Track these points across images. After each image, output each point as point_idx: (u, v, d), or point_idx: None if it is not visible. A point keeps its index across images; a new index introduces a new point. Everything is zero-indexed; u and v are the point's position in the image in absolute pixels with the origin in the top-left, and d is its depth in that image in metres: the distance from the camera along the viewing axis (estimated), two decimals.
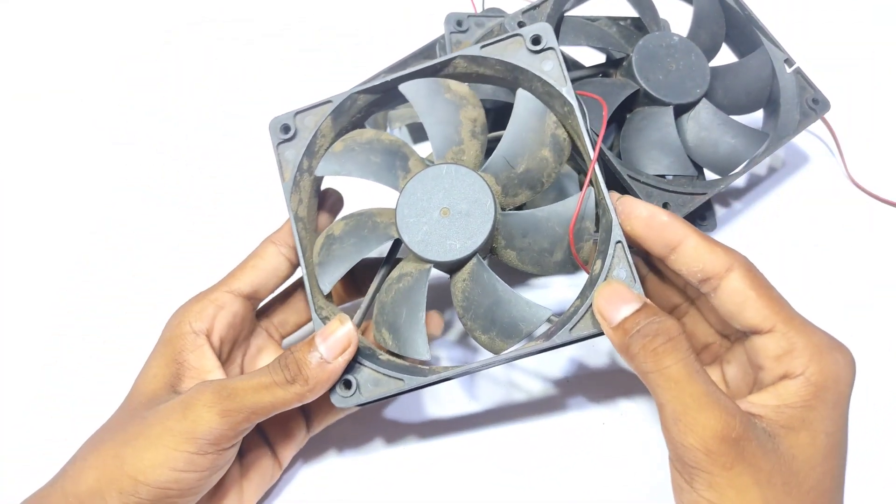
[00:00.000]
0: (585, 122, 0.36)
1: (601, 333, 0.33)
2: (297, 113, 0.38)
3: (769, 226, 0.51)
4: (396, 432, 0.43)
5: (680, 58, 0.46)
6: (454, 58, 0.38)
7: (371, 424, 0.43)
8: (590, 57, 0.49)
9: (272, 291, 0.39)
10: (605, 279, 0.34)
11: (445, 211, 0.36)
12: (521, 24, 0.43)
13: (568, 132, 0.38)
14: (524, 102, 0.37)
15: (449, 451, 0.42)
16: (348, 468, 0.42)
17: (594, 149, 0.36)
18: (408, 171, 0.38)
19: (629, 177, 0.41)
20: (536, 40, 0.37)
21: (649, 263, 0.39)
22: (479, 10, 0.54)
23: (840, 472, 0.31)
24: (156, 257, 0.51)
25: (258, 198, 0.52)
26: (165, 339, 0.37)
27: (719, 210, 0.52)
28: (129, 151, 0.56)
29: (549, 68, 0.37)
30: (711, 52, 0.49)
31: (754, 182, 0.53)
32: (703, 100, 0.46)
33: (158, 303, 0.44)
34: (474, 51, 0.38)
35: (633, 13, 0.49)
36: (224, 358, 0.38)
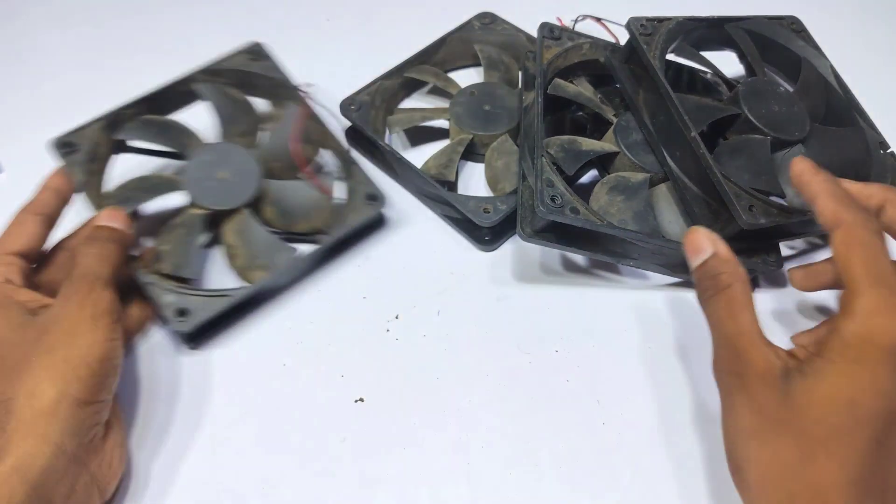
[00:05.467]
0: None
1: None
2: (74, 132, 0.47)
3: None
4: (399, 432, 0.43)
5: (783, 104, 0.48)
6: (194, 73, 0.50)
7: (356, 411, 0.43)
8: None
9: (38, 251, 0.43)
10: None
11: (223, 175, 0.47)
12: (642, 27, 0.48)
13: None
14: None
15: (445, 449, 0.41)
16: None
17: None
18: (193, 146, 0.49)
19: (722, 175, 0.42)
20: (253, 51, 0.51)
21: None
22: (572, 27, 0.57)
23: (870, 444, 0.30)
24: None
25: None
26: None
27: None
28: None
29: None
30: (815, 117, 0.49)
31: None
32: (800, 145, 0.47)
33: None
34: (209, 66, 0.50)
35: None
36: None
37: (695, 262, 0.38)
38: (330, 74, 0.59)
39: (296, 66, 0.60)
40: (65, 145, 0.46)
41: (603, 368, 0.44)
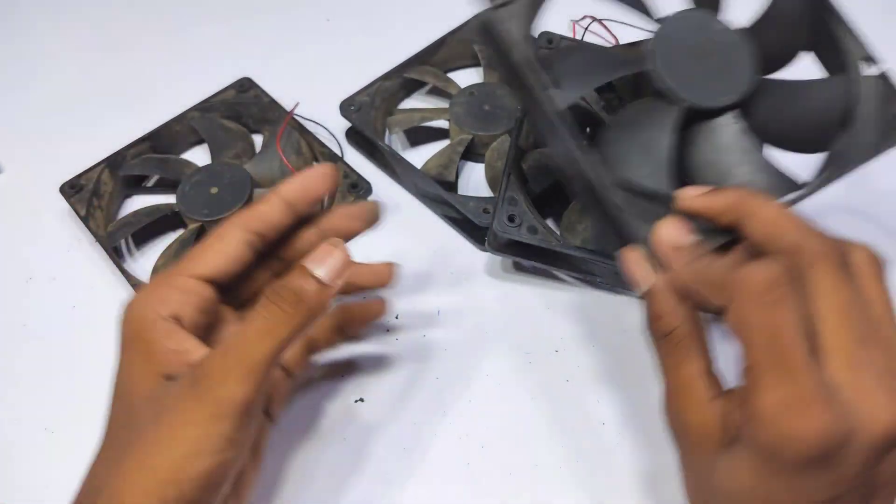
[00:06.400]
0: None
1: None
2: (81, 174, 0.49)
3: None
4: (399, 432, 0.42)
5: (719, 52, 0.35)
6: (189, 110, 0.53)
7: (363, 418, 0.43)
8: None
9: (233, 279, 0.34)
10: None
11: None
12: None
13: None
14: None
15: (446, 449, 0.41)
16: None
17: None
18: None
19: (614, 184, 0.32)
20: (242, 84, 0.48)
21: None
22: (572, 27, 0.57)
23: None
24: None
25: None
26: (133, 334, 0.32)
27: None
28: None
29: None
30: (776, 61, 0.37)
31: None
32: (729, 114, 0.35)
33: None
34: (202, 103, 0.53)
35: None
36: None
37: (637, 293, 0.33)
38: (330, 76, 0.59)
39: (297, 69, 0.61)
40: (72, 187, 0.49)
41: (603, 368, 0.44)
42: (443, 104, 0.56)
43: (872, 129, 0.34)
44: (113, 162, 0.51)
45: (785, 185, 0.35)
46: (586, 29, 0.60)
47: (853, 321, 0.26)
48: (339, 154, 0.53)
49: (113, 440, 0.31)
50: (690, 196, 0.32)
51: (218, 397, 0.29)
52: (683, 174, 0.35)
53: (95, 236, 0.48)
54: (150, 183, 0.54)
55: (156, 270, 0.46)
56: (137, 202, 0.53)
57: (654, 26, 0.36)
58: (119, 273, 0.46)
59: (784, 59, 0.37)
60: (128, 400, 0.31)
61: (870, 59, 0.35)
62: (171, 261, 0.47)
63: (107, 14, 0.68)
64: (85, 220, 0.48)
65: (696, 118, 0.35)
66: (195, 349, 0.31)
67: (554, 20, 0.54)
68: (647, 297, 0.32)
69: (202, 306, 0.33)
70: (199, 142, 0.56)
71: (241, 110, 0.55)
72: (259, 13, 0.68)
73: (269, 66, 0.59)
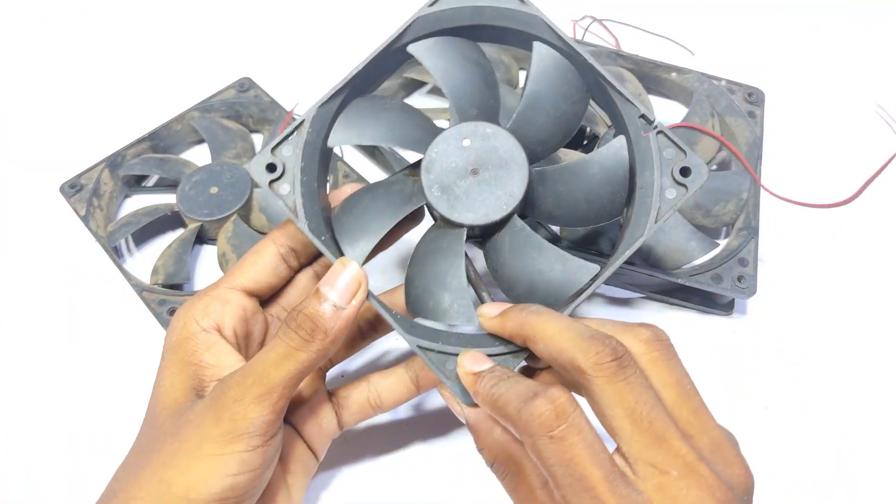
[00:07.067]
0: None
1: None
2: (81, 174, 0.47)
3: None
4: (400, 432, 0.42)
5: (490, 162, 0.34)
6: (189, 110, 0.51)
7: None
8: None
9: (273, 290, 0.36)
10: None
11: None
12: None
13: None
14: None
15: (447, 449, 0.41)
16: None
17: None
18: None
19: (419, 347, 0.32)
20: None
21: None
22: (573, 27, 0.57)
23: None
24: None
25: None
26: (174, 343, 0.33)
27: None
28: None
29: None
30: (551, 143, 0.36)
31: None
32: (514, 217, 0.35)
33: None
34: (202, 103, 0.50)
35: None
36: (242, 353, 0.34)
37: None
38: (330, 75, 0.59)
39: (297, 69, 0.61)
40: (72, 187, 0.49)
41: None
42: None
43: (655, 192, 0.33)
44: (113, 162, 0.51)
45: (583, 270, 0.34)
46: (586, 29, 0.60)
47: (645, 422, 0.26)
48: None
49: (137, 448, 0.32)
50: (486, 318, 0.32)
51: (234, 416, 0.29)
52: (501, 283, 0.35)
53: (95, 236, 0.48)
54: (150, 183, 0.54)
55: (156, 271, 0.46)
56: (137, 202, 0.53)
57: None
58: (119, 273, 0.46)
59: (566, 134, 0.37)
60: (157, 410, 0.32)
61: (645, 119, 0.34)
62: (170, 261, 0.47)
63: (106, 14, 0.68)
64: (85, 220, 0.48)
65: (486, 232, 0.36)
66: (233, 364, 0.32)
67: (554, 20, 0.54)
68: (469, 429, 0.32)
69: (242, 315, 0.34)
70: (199, 142, 0.56)
71: (241, 110, 0.55)
72: (259, 13, 0.68)
73: (269, 66, 0.59)
